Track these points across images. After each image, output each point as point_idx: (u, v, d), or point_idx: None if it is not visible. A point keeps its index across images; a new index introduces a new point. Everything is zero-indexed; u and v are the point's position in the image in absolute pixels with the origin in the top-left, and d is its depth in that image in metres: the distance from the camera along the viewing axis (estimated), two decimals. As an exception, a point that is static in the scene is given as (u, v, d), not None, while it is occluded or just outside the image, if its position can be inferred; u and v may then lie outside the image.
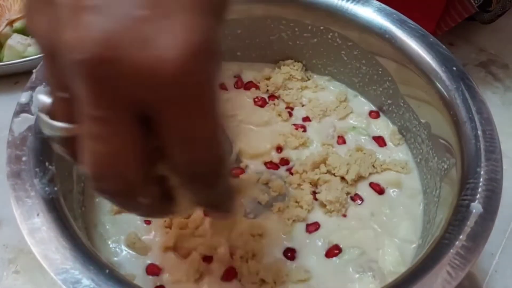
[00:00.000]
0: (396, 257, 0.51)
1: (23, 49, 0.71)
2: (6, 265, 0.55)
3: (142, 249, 0.50)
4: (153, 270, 0.49)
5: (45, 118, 0.30)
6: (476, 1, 0.66)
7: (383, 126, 0.62)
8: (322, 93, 0.65)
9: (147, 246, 0.50)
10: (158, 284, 0.48)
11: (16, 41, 0.71)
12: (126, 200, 0.29)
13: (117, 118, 0.25)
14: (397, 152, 0.60)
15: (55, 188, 0.43)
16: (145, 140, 0.27)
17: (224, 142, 0.29)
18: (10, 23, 0.73)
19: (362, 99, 0.65)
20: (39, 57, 0.69)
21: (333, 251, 0.51)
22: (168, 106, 0.25)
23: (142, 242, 0.50)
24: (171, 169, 0.29)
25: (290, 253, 0.51)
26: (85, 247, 0.41)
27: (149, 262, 0.50)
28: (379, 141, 0.61)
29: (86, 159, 0.27)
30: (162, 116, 0.25)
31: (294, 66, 0.66)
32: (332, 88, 0.65)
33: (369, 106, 0.64)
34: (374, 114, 0.63)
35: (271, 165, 0.58)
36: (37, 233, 0.40)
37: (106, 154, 0.26)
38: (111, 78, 0.24)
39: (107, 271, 0.39)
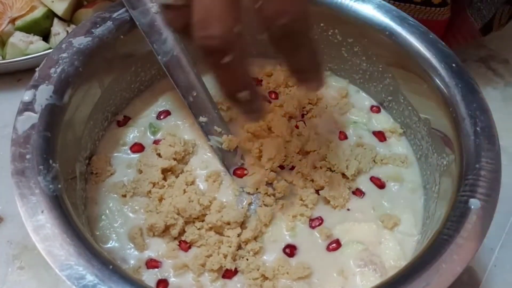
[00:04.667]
0: (397, 251, 0.51)
1: (25, 46, 0.71)
2: (11, 261, 0.56)
3: (142, 244, 0.50)
4: (153, 264, 0.50)
5: None
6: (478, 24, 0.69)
7: (384, 121, 0.62)
8: (324, 88, 0.65)
9: (147, 241, 0.51)
10: (160, 277, 0.49)
11: (18, 39, 0.71)
12: (220, 57, 0.36)
13: None
14: (397, 146, 0.60)
15: (59, 186, 0.44)
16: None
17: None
18: (12, 21, 0.74)
19: (364, 94, 0.65)
20: (41, 55, 0.69)
21: (334, 246, 0.51)
22: None
23: (142, 237, 0.51)
24: (262, 24, 0.36)
25: (289, 250, 0.51)
26: (89, 244, 0.41)
27: (149, 256, 0.50)
28: (379, 135, 0.61)
29: (194, 11, 0.36)
30: None
31: (295, 63, 0.66)
32: (333, 83, 0.66)
33: (370, 101, 0.64)
34: (375, 109, 0.64)
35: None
36: (42, 229, 0.41)
37: (208, 5, 0.35)
38: None
39: (110, 267, 0.40)
